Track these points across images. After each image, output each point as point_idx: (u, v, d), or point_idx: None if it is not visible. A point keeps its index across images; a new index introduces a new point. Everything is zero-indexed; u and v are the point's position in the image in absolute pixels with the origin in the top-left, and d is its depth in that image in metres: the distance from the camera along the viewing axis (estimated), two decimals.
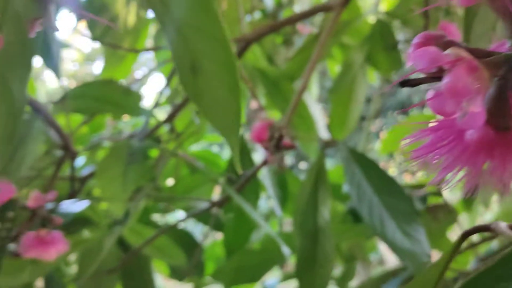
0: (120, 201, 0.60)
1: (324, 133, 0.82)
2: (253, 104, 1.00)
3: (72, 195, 0.57)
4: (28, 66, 0.24)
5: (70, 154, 0.49)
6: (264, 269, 0.93)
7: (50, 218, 0.46)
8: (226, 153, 1.07)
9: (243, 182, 0.63)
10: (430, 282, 0.24)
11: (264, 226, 0.57)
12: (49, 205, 0.51)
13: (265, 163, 0.61)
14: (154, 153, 0.71)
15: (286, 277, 1.02)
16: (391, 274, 0.79)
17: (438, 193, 0.69)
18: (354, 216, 0.70)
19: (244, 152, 0.78)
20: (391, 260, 1.66)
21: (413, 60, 0.17)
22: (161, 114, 0.76)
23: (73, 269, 0.85)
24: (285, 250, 0.64)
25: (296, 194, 0.85)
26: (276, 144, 0.59)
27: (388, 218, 0.59)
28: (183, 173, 0.89)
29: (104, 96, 0.66)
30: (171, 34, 0.24)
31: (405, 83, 0.19)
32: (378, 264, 1.67)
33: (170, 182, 0.88)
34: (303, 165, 2.63)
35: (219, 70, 0.23)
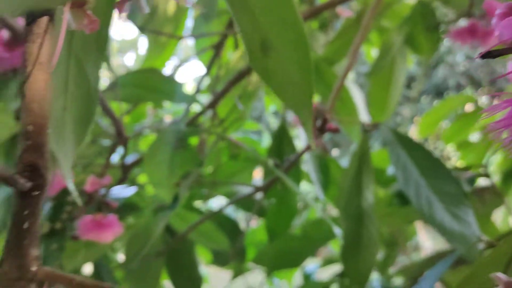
0: (168, 187, 0.61)
1: (365, 117, 0.81)
2: None
3: (121, 181, 0.58)
4: (102, 50, 0.25)
5: (123, 141, 0.50)
6: (305, 255, 0.93)
7: (105, 202, 0.48)
8: (264, 141, 1.08)
9: (288, 166, 0.63)
10: (503, 257, 0.24)
11: (314, 206, 0.57)
12: (102, 191, 0.53)
13: (309, 147, 0.61)
14: (193, 141, 0.72)
15: (326, 263, 1.02)
16: (434, 259, 0.78)
17: (485, 175, 0.68)
18: (400, 199, 0.69)
19: (285, 137, 0.79)
20: (427, 247, 1.64)
21: (500, 30, 0.17)
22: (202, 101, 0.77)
23: (119, 256, 0.88)
24: (337, 231, 0.64)
25: (337, 179, 0.85)
26: (321, 128, 0.59)
27: (436, 200, 0.59)
28: (222, 160, 0.90)
29: (148, 84, 0.68)
30: (240, 13, 0.24)
31: (487, 55, 0.19)
32: (414, 250, 1.66)
33: (209, 169, 0.89)
34: (335, 152, 2.62)
35: (290, 49, 0.24)
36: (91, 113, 0.26)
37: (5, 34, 0.38)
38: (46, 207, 0.46)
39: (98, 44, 0.25)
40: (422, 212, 0.59)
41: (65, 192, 0.46)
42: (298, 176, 0.82)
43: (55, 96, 0.22)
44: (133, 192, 0.60)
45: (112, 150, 0.50)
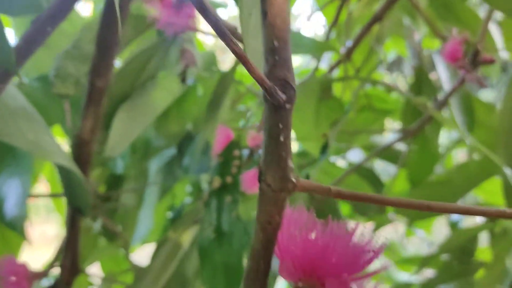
0: (315, 140, 0.61)
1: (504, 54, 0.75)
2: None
3: None
4: None
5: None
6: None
7: None
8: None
9: (441, 104, 0.60)
10: None
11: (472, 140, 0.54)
12: None
13: (462, 82, 0.57)
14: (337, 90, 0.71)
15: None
16: None
17: None
18: None
19: (424, 79, 0.75)
20: None
21: None
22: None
23: None
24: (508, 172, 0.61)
25: (484, 121, 0.80)
26: (473, 60, 0.55)
27: None
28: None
29: None
30: None
31: None
32: None
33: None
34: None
35: None
36: None
37: None
38: (214, 163, 0.49)
39: None
40: None
41: (231, 147, 0.48)
42: (437, 123, 0.78)
43: None
44: None
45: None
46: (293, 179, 0.18)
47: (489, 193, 0.99)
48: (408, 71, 0.88)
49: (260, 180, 0.18)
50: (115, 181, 0.80)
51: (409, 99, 0.63)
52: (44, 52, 0.45)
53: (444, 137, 1.14)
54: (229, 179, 0.47)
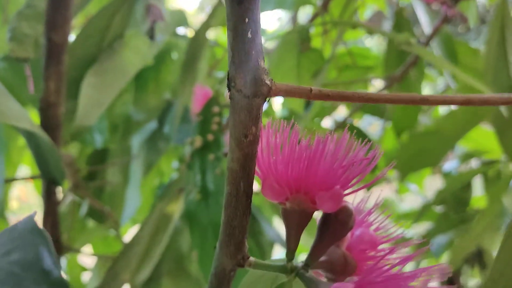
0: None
1: None
2: None
3: None
4: None
5: None
6: (441, 152, 0.88)
7: None
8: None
9: (423, 46, 0.58)
10: None
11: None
12: None
13: (444, 20, 0.55)
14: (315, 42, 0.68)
15: (466, 157, 0.96)
16: None
17: None
18: None
19: (403, 23, 0.73)
20: None
21: None
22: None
23: None
24: None
25: (467, 63, 0.78)
26: None
27: None
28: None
29: None
30: None
31: None
32: None
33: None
34: None
35: None
36: None
37: None
38: (194, 123, 0.47)
39: None
40: None
41: (209, 105, 0.45)
42: (421, 67, 0.76)
43: None
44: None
45: None
46: (267, 82, 0.16)
47: (476, 142, 0.98)
48: (387, 27, 0.85)
49: (229, 87, 0.16)
50: (98, 160, 0.77)
51: (392, 40, 0.61)
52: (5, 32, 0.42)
53: (430, 88, 1.13)
54: (210, 137, 0.44)
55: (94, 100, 0.43)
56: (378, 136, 0.94)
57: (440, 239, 0.86)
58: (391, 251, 0.17)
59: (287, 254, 0.18)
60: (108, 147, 0.76)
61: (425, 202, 0.82)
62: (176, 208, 0.63)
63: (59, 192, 0.42)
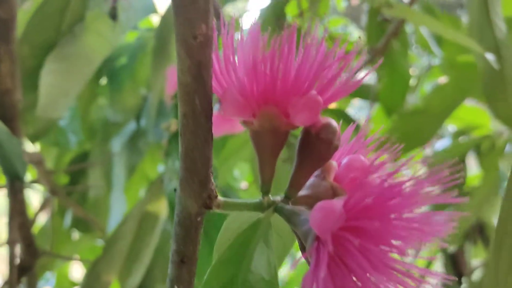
0: None
1: None
2: None
3: None
4: None
5: None
6: (431, 130, 0.86)
7: None
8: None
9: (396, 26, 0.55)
10: None
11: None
12: None
13: None
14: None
15: (457, 135, 0.94)
16: None
17: None
18: None
19: None
20: None
21: None
22: None
23: None
24: None
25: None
26: None
27: None
28: None
29: None
30: None
31: None
32: None
33: None
34: None
35: None
36: None
37: None
38: (169, 107, 0.44)
39: None
40: None
41: None
42: (405, 40, 0.74)
43: None
44: None
45: None
46: None
47: (464, 120, 0.96)
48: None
49: None
50: (79, 169, 0.74)
51: (373, 11, 0.58)
52: None
53: (415, 68, 1.11)
54: None
55: (57, 88, 0.40)
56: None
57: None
58: (390, 174, 0.14)
59: (261, 187, 0.15)
60: (87, 151, 0.73)
61: None
62: (162, 206, 0.59)
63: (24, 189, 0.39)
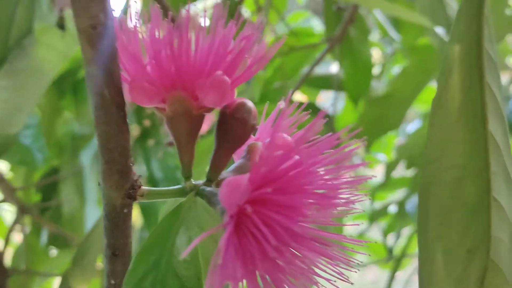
0: None
1: None
2: None
3: None
4: None
5: None
6: (399, 114, 0.87)
7: None
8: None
9: (352, 12, 0.56)
10: None
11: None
12: None
13: None
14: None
15: (427, 116, 0.95)
16: None
17: None
18: None
19: None
20: None
21: None
22: None
23: None
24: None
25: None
26: None
27: None
28: None
29: None
30: None
31: None
32: None
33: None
34: None
35: None
36: None
37: None
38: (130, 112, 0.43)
39: None
40: None
41: None
42: (363, 27, 0.75)
43: None
44: None
45: None
46: None
47: (429, 102, 0.97)
48: None
49: None
50: (49, 183, 0.73)
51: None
52: None
53: (378, 54, 1.12)
54: (147, 123, 0.41)
55: (11, 104, 0.40)
56: (338, 111, 0.93)
57: (416, 199, 0.85)
58: (309, 151, 0.14)
59: (182, 172, 0.15)
60: (56, 167, 0.72)
61: (388, 162, 0.80)
62: (135, 214, 0.59)
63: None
